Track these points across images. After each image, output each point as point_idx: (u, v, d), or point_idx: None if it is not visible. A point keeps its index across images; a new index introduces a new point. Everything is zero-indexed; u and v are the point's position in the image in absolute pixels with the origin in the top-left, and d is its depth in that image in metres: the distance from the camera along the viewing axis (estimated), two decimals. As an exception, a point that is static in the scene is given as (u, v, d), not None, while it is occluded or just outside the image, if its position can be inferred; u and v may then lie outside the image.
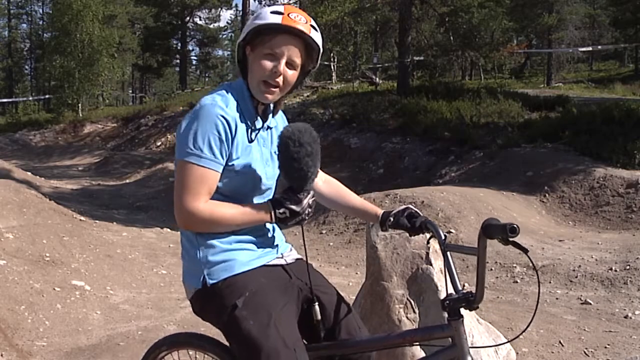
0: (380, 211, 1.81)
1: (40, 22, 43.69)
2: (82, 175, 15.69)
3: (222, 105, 1.54)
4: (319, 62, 1.66)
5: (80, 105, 24.38)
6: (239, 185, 1.61)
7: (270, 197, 1.72)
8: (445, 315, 1.58)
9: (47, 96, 30.31)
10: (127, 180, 13.99)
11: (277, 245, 1.74)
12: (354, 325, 1.73)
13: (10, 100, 34.25)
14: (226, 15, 78.73)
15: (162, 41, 36.39)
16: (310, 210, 1.57)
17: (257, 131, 1.63)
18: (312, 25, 1.57)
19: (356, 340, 1.69)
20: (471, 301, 1.52)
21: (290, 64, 1.57)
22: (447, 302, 1.56)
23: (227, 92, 1.60)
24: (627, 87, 17.61)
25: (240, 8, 26.89)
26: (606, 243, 6.27)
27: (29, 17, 45.21)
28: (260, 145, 1.65)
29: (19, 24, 45.47)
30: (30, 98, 33.70)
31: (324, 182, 1.89)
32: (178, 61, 39.32)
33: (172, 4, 34.90)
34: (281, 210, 1.55)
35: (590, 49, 23.46)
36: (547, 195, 8.14)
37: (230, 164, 1.57)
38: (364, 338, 1.70)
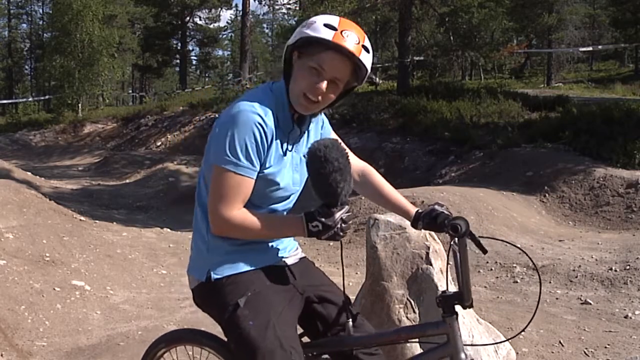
0: (413, 211, 1.80)
1: (40, 22, 43.69)
2: (82, 175, 15.67)
3: (260, 112, 1.53)
4: (364, 81, 1.62)
5: (80, 105, 24.35)
6: (264, 191, 1.61)
7: (294, 202, 1.74)
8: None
9: (47, 96, 30.30)
10: (127, 180, 13.97)
11: (285, 247, 1.76)
12: (357, 325, 1.74)
13: (10, 100, 34.24)
14: (226, 15, 78.75)
15: (162, 41, 36.37)
16: (344, 225, 1.55)
17: (292, 141, 1.63)
18: (364, 46, 1.53)
19: (352, 337, 1.70)
20: (464, 299, 1.55)
21: (333, 82, 1.55)
22: (441, 298, 1.59)
23: (266, 98, 1.58)
24: (627, 87, 17.60)
25: (240, 8, 26.90)
26: (606, 243, 6.27)
27: (29, 17, 45.21)
28: (292, 150, 1.65)
29: (19, 24, 45.46)
30: (30, 98, 33.69)
31: (361, 173, 1.88)
32: (178, 61, 39.31)
33: (172, 4, 34.86)
34: (314, 224, 1.55)
35: (590, 49, 23.45)
36: (547, 195, 8.14)
37: (262, 171, 1.57)
38: (359, 335, 1.72)
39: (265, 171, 1.57)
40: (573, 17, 21.01)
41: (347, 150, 1.59)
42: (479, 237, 1.60)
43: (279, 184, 1.61)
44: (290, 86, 1.57)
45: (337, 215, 1.54)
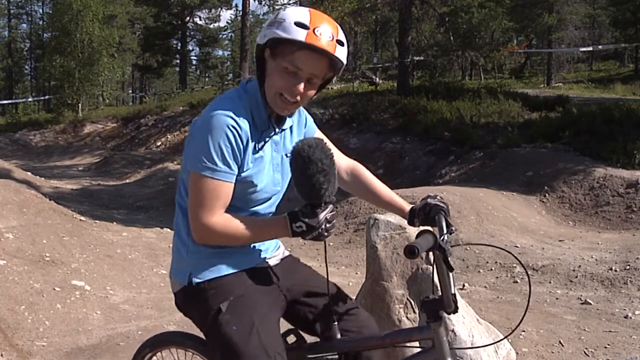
0: (407, 208, 1.76)
1: (40, 22, 43.74)
2: (82, 175, 15.68)
3: (234, 115, 1.50)
4: (341, 72, 1.57)
5: (80, 105, 24.40)
6: (243, 193, 1.58)
7: (277, 201, 1.71)
8: (446, 316, 1.58)
9: (47, 96, 30.33)
10: (127, 180, 13.99)
11: (267, 248, 1.74)
12: (356, 322, 1.71)
13: (10, 100, 34.25)
14: (226, 15, 78.80)
15: (162, 41, 36.35)
16: (329, 225, 1.51)
17: (269, 140, 1.60)
18: (338, 40, 1.48)
19: (337, 341, 1.68)
20: (445, 305, 1.54)
21: (310, 79, 1.51)
22: (424, 304, 1.56)
23: (240, 99, 1.55)
24: (627, 87, 17.62)
25: (240, 8, 26.87)
26: (606, 243, 6.27)
27: (29, 17, 45.27)
28: (272, 149, 1.61)
29: (19, 24, 45.53)
30: (30, 98, 33.72)
31: (350, 171, 1.84)
32: (178, 61, 39.31)
33: (172, 4, 34.84)
34: (297, 224, 1.50)
35: (590, 49, 23.46)
36: (547, 195, 8.14)
37: (239, 175, 1.54)
38: (345, 340, 1.69)
39: (243, 174, 1.54)
40: (573, 17, 21.04)
41: (333, 149, 1.55)
42: (466, 244, 1.58)
43: (257, 186, 1.58)
44: (266, 86, 1.53)
45: (321, 215, 1.49)
